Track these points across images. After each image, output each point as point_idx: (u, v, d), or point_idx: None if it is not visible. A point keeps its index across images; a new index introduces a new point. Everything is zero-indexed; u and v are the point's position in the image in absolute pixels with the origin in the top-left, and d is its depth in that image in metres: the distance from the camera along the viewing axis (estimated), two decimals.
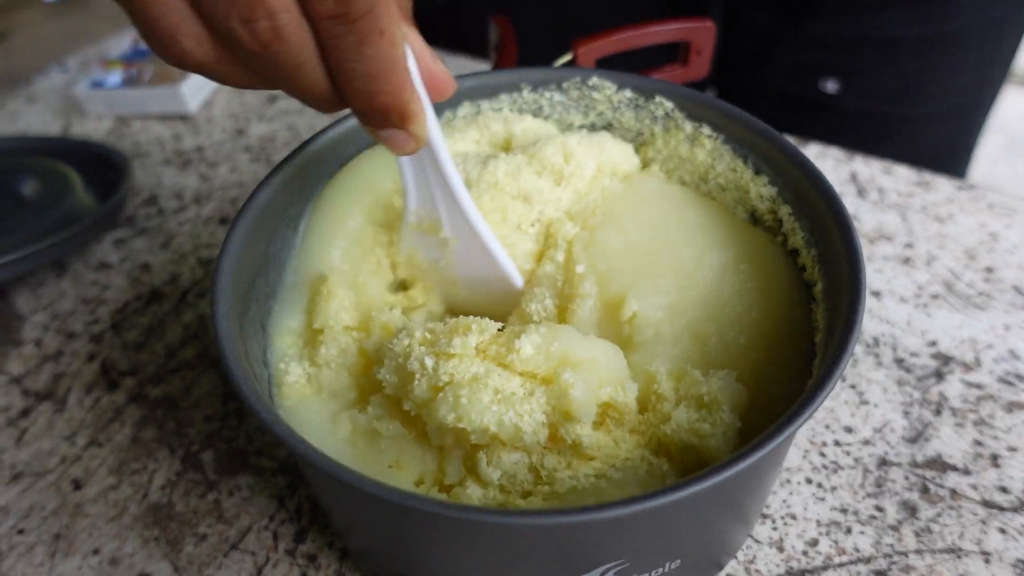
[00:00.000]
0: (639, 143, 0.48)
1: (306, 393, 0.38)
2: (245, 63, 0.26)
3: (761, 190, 0.42)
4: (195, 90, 0.80)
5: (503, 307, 0.42)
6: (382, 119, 0.28)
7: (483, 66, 0.83)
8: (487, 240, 0.39)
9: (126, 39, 0.91)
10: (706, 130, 0.44)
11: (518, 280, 0.42)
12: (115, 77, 0.80)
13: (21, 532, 0.46)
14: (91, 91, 0.80)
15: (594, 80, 0.46)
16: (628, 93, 0.46)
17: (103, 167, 0.69)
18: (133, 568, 0.44)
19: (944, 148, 0.79)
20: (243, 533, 0.45)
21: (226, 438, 0.50)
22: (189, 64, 0.26)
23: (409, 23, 0.29)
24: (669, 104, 0.45)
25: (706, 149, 0.44)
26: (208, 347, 0.56)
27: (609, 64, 0.57)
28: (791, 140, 0.69)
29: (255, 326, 0.39)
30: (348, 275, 0.42)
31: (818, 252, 0.38)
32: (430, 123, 0.31)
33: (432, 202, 0.38)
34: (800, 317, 0.39)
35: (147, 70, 0.81)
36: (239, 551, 0.44)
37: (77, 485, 0.48)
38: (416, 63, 0.30)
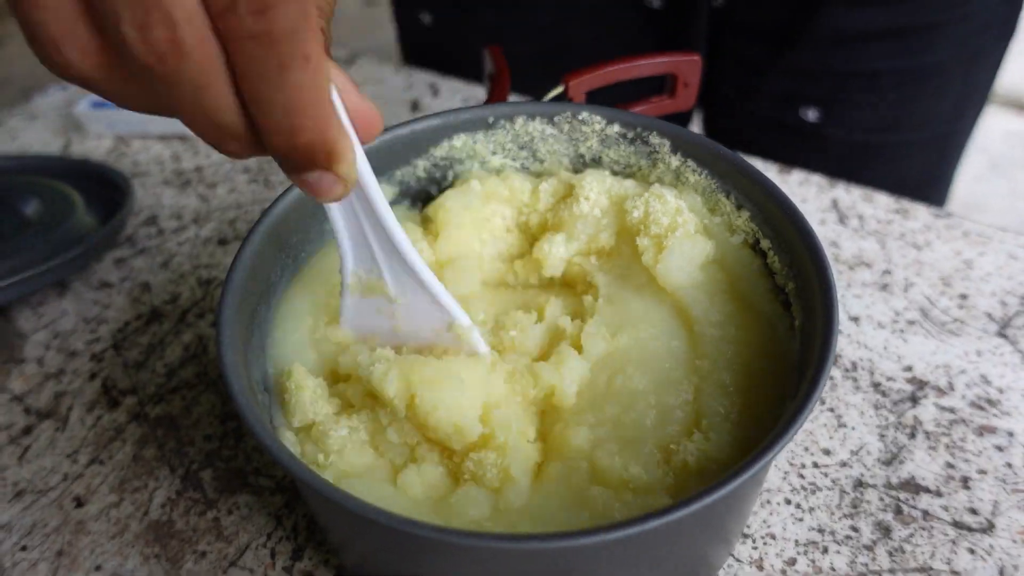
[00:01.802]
0: (627, 175, 0.50)
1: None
2: (139, 81, 0.23)
3: (743, 224, 0.44)
4: None
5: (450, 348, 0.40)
6: (306, 160, 0.24)
7: (476, 90, 0.85)
8: (437, 292, 0.36)
9: None
10: (691, 165, 0.46)
11: (466, 321, 0.38)
12: None
13: (24, 549, 0.47)
14: (92, 110, 0.81)
15: (584, 115, 0.48)
16: (617, 128, 0.48)
17: (104, 187, 0.70)
18: None
19: (925, 174, 0.82)
20: (242, 551, 0.46)
21: (225, 457, 0.51)
22: (73, 76, 0.23)
23: (328, 54, 0.25)
24: (656, 139, 0.47)
25: (690, 183, 0.46)
26: (207, 367, 0.57)
27: (599, 95, 0.59)
28: (775, 166, 0.71)
29: (256, 352, 0.40)
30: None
31: (795, 287, 0.40)
32: (359, 162, 0.28)
33: (371, 257, 0.35)
34: (786, 347, 0.41)
35: None
36: (238, 568, 0.45)
37: (79, 502, 0.49)
38: (340, 97, 0.26)
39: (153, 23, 0.21)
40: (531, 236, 0.50)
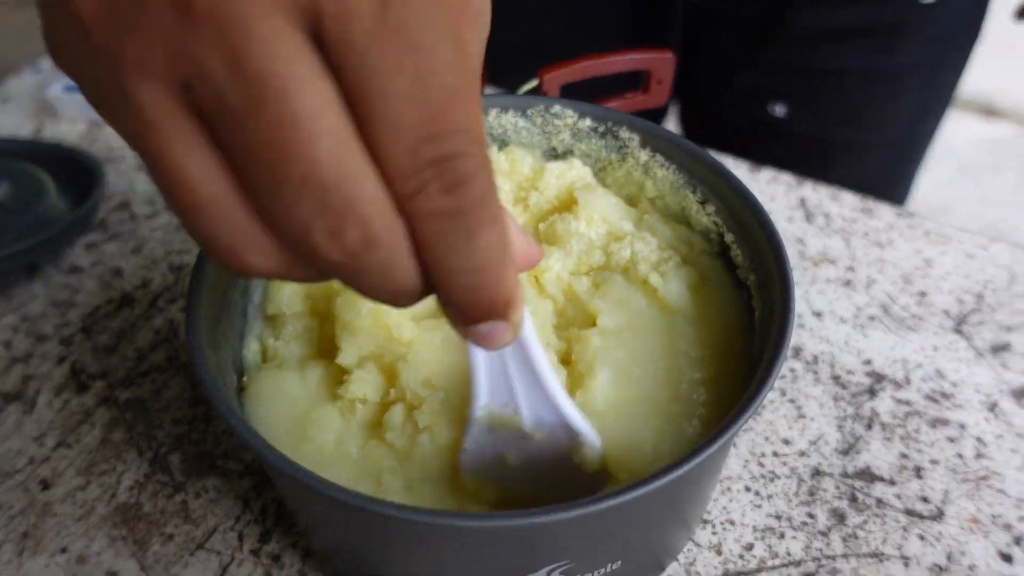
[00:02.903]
0: (598, 168, 0.51)
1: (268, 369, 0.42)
2: (322, 271, 0.22)
3: (706, 218, 0.45)
4: None
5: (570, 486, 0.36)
6: (485, 313, 0.23)
7: None
8: (578, 426, 0.34)
9: None
10: (659, 159, 0.47)
11: (596, 445, 0.36)
12: None
13: None
14: (65, 94, 0.81)
15: (556, 108, 0.49)
16: (588, 122, 0.49)
17: (76, 171, 0.69)
18: (100, 566, 0.45)
19: (887, 174, 0.84)
20: (209, 533, 0.46)
21: (194, 440, 0.51)
22: (253, 276, 0.22)
23: None
24: (626, 134, 0.48)
25: (658, 177, 0.47)
26: (178, 351, 0.57)
27: (574, 89, 0.60)
28: (745, 164, 0.73)
29: (227, 335, 0.41)
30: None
31: (756, 279, 0.41)
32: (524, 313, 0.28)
33: (510, 393, 0.33)
34: (745, 340, 0.42)
35: None
36: (205, 551, 0.46)
37: (45, 485, 0.49)
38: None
39: (346, 227, 0.20)
40: (533, 216, 0.49)
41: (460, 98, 0.20)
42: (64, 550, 0.46)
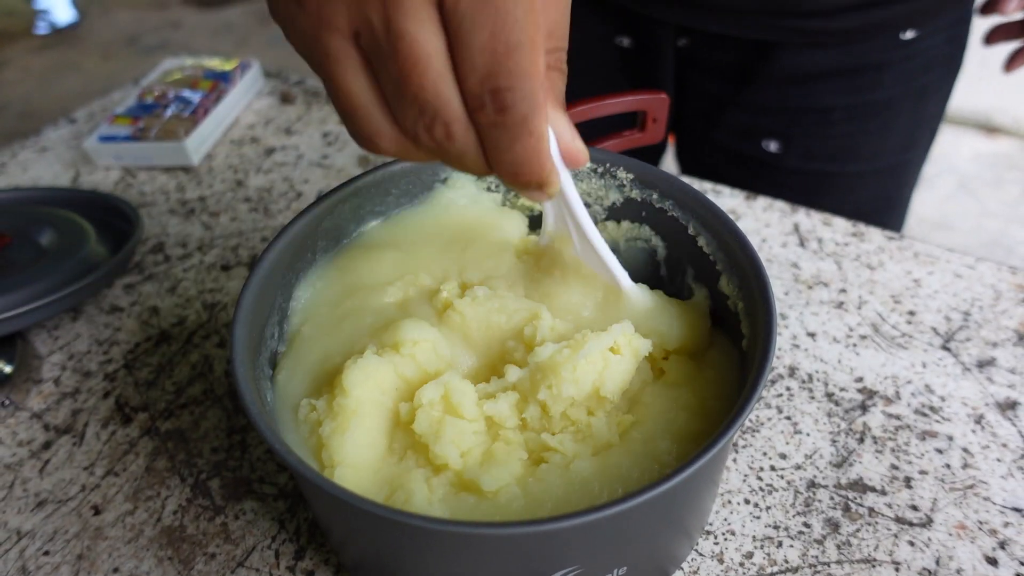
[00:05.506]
0: (599, 207, 0.55)
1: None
2: (423, 152, 0.35)
3: (700, 249, 0.49)
4: (198, 145, 0.87)
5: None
6: (523, 187, 0.36)
7: None
8: (613, 268, 0.47)
9: (131, 94, 0.97)
10: (655, 196, 0.52)
11: (627, 283, 0.48)
12: (123, 131, 0.87)
13: (47, 554, 0.51)
14: (100, 144, 0.86)
15: None
16: (588, 164, 0.53)
17: (114, 217, 0.75)
18: None
19: (879, 202, 0.88)
20: (248, 552, 0.50)
21: (231, 467, 0.55)
22: (379, 152, 0.36)
23: (558, 105, 0.37)
24: (623, 174, 0.52)
25: (654, 213, 0.52)
26: (214, 384, 0.61)
27: (576, 130, 0.64)
28: (742, 193, 0.76)
29: (263, 368, 0.45)
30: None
31: (744, 305, 0.45)
32: (564, 183, 0.41)
33: (566, 228, 0.46)
34: (735, 364, 0.46)
35: (153, 125, 0.87)
36: (245, 568, 0.49)
37: (97, 511, 0.53)
38: (556, 141, 0.37)
39: (435, 125, 0.33)
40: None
41: (519, 51, 0.30)
42: (116, 570, 0.50)
